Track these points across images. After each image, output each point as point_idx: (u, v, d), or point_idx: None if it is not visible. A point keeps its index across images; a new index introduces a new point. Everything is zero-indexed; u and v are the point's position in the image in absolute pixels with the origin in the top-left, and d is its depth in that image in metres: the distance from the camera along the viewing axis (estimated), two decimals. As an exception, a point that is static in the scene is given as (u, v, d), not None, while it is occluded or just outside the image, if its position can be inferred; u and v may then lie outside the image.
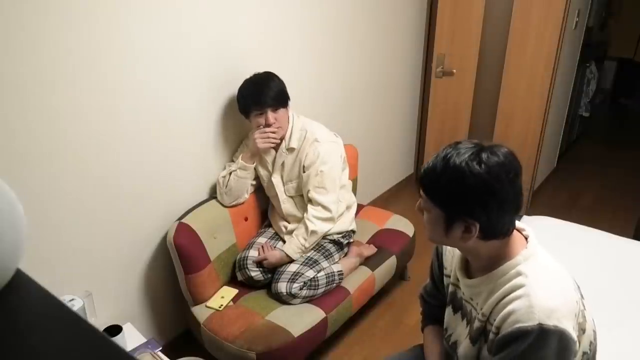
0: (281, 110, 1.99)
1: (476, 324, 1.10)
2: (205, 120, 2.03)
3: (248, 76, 2.17)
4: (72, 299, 1.58)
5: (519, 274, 1.03)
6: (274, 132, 1.98)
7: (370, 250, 2.32)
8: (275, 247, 2.10)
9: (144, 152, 1.82)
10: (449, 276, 1.26)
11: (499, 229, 1.02)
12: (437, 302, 1.38)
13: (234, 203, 2.08)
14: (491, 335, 1.04)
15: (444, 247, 1.29)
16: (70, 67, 1.51)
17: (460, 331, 1.19)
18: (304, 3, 2.37)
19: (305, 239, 2.02)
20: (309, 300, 2.00)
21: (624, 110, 6.19)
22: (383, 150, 3.45)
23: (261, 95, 1.92)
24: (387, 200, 3.60)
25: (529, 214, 2.76)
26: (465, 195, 0.99)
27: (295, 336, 1.82)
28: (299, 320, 1.89)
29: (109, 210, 1.76)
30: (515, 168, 1.01)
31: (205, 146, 2.07)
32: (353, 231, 2.27)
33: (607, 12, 4.80)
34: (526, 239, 1.10)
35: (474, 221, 1.00)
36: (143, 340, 1.74)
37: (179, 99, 1.89)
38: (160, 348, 1.69)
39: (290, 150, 2.04)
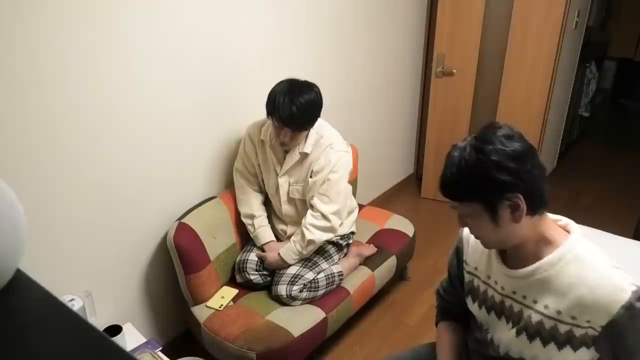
0: (305, 133, 1.92)
1: (534, 317, 1.06)
2: (205, 120, 2.03)
3: (248, 76, 2.18)
4: (72, 299, 1.58)
5: (577, 259, 1.01)
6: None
7: (370, 250, 2.32)
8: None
9: (144, 152, 1.82)
10: (473, 273, 1.24)
11: (540, 193, 1.01)
12: (452, 298, 1.37)
13: None
14: (579, 331, 1.00)
15: (465, 243, 1.27)
16: (69, 68, 1.51)
17: (501, 330, 1.15)
18: (304, 3, 2.37)
19: (302, 247, 1.98)
20: (310, 301, 2.00)
21: (624, 110, 6.19)
22: (383, 150, 3.46)
23: (287, 112, 1.78)
24: (387, 200, 3.60)
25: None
26: (491, 175, 0.99)
27: (295, 336, 1.82)
28: (299, 320, 1.89)
29: (109, 210, 1.76)
30: (509, 130, 1.04)
31: (205, 146, 2.07)
32: (353, 232, 2.26)
33: (607, 12, 4.80)
34: (563, 228, 1.09)
35: (515, 194, 0.99)
36: (143, 340, 1.74)
37: (178, 98, 1.89)
38: (160, 348, 1.69)
39: (303, 154, 1.97)
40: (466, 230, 1.23)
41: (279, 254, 2.00)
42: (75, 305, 1.57)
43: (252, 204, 2.08)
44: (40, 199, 1.54)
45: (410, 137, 3.83)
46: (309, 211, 1.99)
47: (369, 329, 2.34)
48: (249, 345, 1.76)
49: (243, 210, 2.09)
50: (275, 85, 1.85)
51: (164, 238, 1.98)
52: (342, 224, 2.15)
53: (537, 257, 1.06)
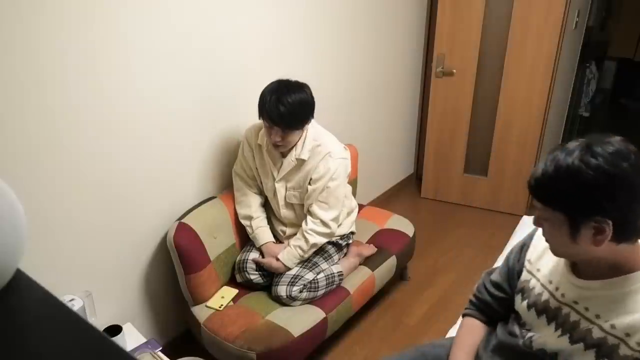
0: (294, 132, 1.88)
1: (595, 332, 1.02)
2: (205, 120, 2.03)
3: (247, 76, 2.18)
4: (72, 299, 1.58)
5: None
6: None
7: (370, 250, 2.32)
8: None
9: (144, 152, 1.82)
10: (533, 274, 1.21)
11: (632, 226, 0.94)
12: (495, 292, 1.34)
13: None
14: (629, 351, 0.97)
15: (535, 243, 1.22)
16: (69, 68, 1.51)
17: (548, 334, 1.13)
18: (303, 3, 2.37)
19: (304, 251, 1.99)
20: (309, 301, 2.00)
21: (624, 110, 6.19)
22: (383, 150, 3.46)
23: (274, 111, 1.79)
24: (387, 200, 3.60)
25: (529, 214, 2.76)
26: (587, 192, 0.92)
27: (295, 336, 1.82)
28: (299, 320, 1.89)
29: (109, 210, 1.76)
30: (635, 153, 0.95)
31: (205, 146, 2.07)
32: (352, 233, 2.26)
33: (607, 12, 4.80)
34: None
35: (605, 219, 0.92)
36: (143, 340, 1.74)
37: (178, 98, 1.89)
38: (160, 348, 1.69)
39: (300, 161, 1.95)
40: (540, 231, 1.20)
41: (278, 259, 1.99)
42: (75, 305, 1.56)
43: (250, 206, 2.08)
44: (41, 199, 1.54)
45: (410, 137, 3.83)
46: (309, 218, 2.00)
47: (369, 329, 2.34)
48: (249, 345, 1.76)
49: (241, 211, 2.09)
50: (266, 86, 1.86)
51: (164, 238, 1.98)
52: (341, 224, 2.15)
53: (615, 272, 1.00)
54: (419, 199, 3.74)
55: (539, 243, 1.21)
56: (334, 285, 2.07)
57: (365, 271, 2.22)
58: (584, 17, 3.70)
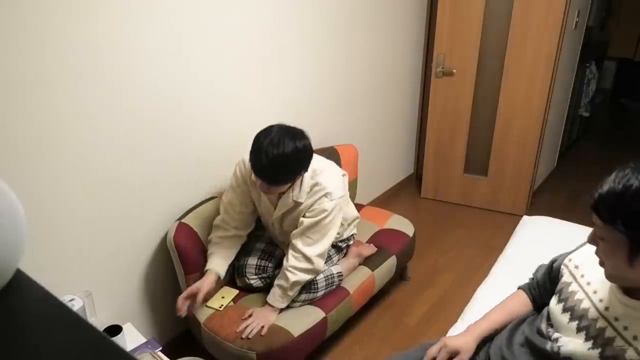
0: (281, 187, 1.77)
1: (629, 354, 1.00)
2: (205, 120, 2.03)
3: (248, 76, 2.18)
4: (72, 299, 1.58)
5: None
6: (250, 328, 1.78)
7: (370, 249, 2.31)
8: (269, 262, 2.03)
9: (144, 152, 1.82)
10: (577, 280, 1.18)
11: None
12: (539, 289, 1.37)
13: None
14: None
15: (590, 252, 1.18)
16: (71, 67, 1.51)
17: (574, 343, 1.12)
18: (303, 3, 2.37)
19: (285, 289, 1.86)
20: (309, 302, 2.00)
21: (624, 110, 6.19)
22: (383, 150, 3.46)
23: (257, 164, 1.66)
24: (387, 200, 3.60)
25: (529, 214, 2.76)
26: None
27: (295, 336, 1.82)
28: (298, 320, 1.89)
29: (109, 210, 1.76)
30: None
31: (204, 145, 2.07)
32: (353, 235, 2.25)
33: (607, 12, 4.80)
34: None
35: None
36: (143, 340, 1.74)
37: (178, 98, 1.89)
38: (160, 348, 1.69)
39: (297, 203, 1.86)
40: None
41: (267, 303, 1.88)
42: (75, 305, 1.56)
43: (223, 237, 1.93)
44: (41, 199, 1.54)
45: (410, 137, 3.83)
46: (290, 252, 1.87)
47: (369, 329, 2.34)
48: (249, 345, 1.76)
49: (214, 232, 1.95)
50: (261, 130, 1.71)
51: (164, 238, 1.98)
52: (346, 230, 2.14)
53: None
54: (419, 199, 3.74)
55: (591, 248, 1.17)
56: (334, 286, 2.07)
57: (365, 271, 2.22)
58: (584, 17, 3.71)
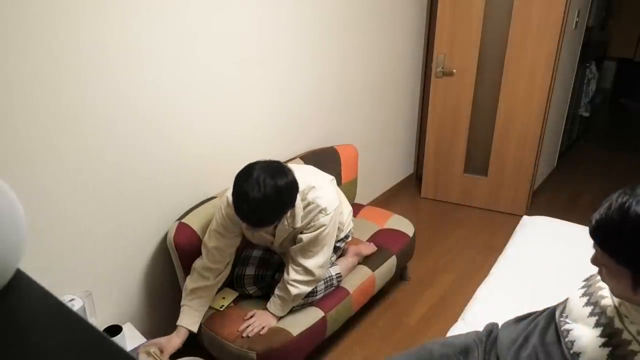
0: (268, 227, 1.74)
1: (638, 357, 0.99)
2: (204, 120, 2.03)
3: (247, 76, 2.18)
4: (72, 299, 1.58)
5: None
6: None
7: (369, 248, 2.31)
8: (267, 271, 2.01)
9: (145, 152, 1.82)
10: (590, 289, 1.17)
11: None
12: None
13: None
14: None
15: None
16: (72, 67, 1.51)
17: (588, 338, 1.10)
18: (304, 2, 2.37)
19: (286, 301, 1.86)
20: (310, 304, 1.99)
21: (624, 110, 6.19)
22: (383, 150, 3.46)
23: (240, 212, 1.60)
24: (387, 200, 3.60)
25: (529, 214, 2.76)
26: None
27: (295, 335, 1.82)
28: (298, 320, 1.89)
29: (109, 210, 1.76)
30: None
31: (204, 145, 2.07)
32: (349, 233, 2.22)
33: (607, 12, 4.80)
34: None
35: None
36: (143, 340, 1.74)
37: (178, 98, 1.89)
38: (160, 348, 1.69)
39: (295, 228, 1.84)
40: None
41: (267, 309, 1.88)
42: (75, 305, 1.57)
43: (207, 282, 1.85)
44: (41, 199, 1.54)
45: (410, 137, 3.83)
46: (291, 265, 1.86)
47: (369, 329, 2.34)
48: (249, 345, 1.76)
49: (192, 278, 1.85)
50: (240, 171, 1.63)
51: (164, 238, 1.98)
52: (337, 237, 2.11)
53: None
54: (419, 199, 3.74)
55: None
56: (333, 288, 2.06)
57: (365, 271, 2.22)
58: (584, 17, 3.71)
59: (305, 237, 1.82)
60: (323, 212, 1.81)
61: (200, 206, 2.02)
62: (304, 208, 1.80)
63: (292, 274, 1.85)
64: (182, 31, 1.82)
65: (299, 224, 1.81)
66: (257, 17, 2.13)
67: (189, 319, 1.83)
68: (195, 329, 1.83)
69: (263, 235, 1.92)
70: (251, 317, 1.86)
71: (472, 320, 1.69)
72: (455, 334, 1.51)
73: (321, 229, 1.82)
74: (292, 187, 1.65)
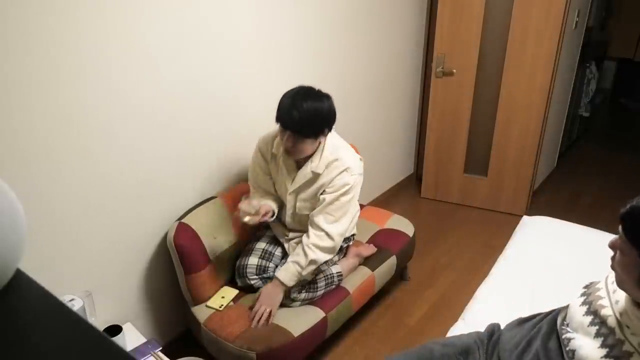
0: (306, 141, 1.79)
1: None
2: (205, 120, 2.03)
3: (247, 77, 2.18)
4: (72, 299, 1.58)
5: None
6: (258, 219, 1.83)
7: (370, 250, 2.31)
8: (270, 263, 2.04)
9: (145, 152, 1.82)
10: (607, 283, 1.17)
11: None
12: None
13: None
14: None
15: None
16: (71, 67, 1.51)
17: (589, 349, 1.09)
18: (304, 2, 2.37)
19: (302, 267, 1.86)
20: (309, 301, 2.00)
21: (624, 110, 6.19)
22: (383, 150, 3.46)
23: (287, 114, 1.73)
24: (387, 200, 3.60)
25: (529, 214, 2.76)
26: None
27: (295, 336, 1.82)
28: (299, 320, 1.89)
29: (109, 210, 1.76)
30: None
31: (204, 145, 2.07)
32: (353, 235, 2.25)
33: (607, 12, 4.80)
34: None
35: None
36: (143, 340, 1.74)
37: (178, 100, 1.89)
38: (160, 348, 1.69)
39: (315, 174, 1.88)
40: None
41: (275, 277, 1.88)
42: (75, 305, 1.56)
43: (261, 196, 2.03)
44: (41, 199, 1.54)
45: (410, 137, 3.83)
46: (311, 230, 1.89)
47: (369, 329, 2.34)
48: (249, 345, 1.76)
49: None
50: (287, 90, 1.81)
51: (164, 238, 1.98)
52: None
53: None
54: (419, 199, 3.74)
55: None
56: (333, 286, 2.07)
57: (365, 271, 2.22)
58: (584, 17, 3.70)
59: (328, 196, 1.85)
60: (348, 170, 1.85)
61: (200, 206, 2.02)
62: (330, 163, 1.86)
63: (313, 237, 1.86)
64: (182, 31, 1.82)
65: (321, 170, 1.86)
66: (257, 18, 2.13)
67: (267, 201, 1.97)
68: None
69: (285, 175, 1.94)
70: (253, 309, 1.87)
71: (472, 320, 1.69)
72: (456, 334, 1.51)
73: (344, 189, 1.84)
74: (333, 111, 1.82)
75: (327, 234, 1.87)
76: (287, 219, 2.05)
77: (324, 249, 1.88)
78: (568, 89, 3.96)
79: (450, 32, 3.21)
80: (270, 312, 1.84)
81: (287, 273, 1.87)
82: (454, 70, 3.29)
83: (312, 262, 1.86)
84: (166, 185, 1.94)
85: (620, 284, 1.03)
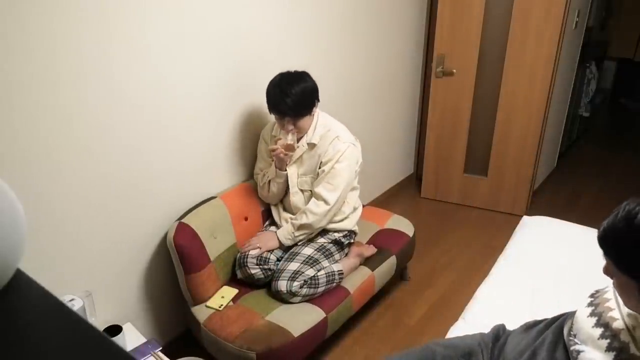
0: (304, 118, 1.99)
1: None
2: (205, 120, 2.03)
3: (246, 78, 2.18)
4: (72, 299, 1.58)
5: None
6: (285, 153, 1.99)
7: (370, 250, 2.32)
8: (271, 254, 2.09)
9: (145, 152, 1.82)
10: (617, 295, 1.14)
11: None
12: None
13: (277, 200, 2.22)
14: None
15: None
16: (72, 67, 1.51)
17: (596, 355, 1.08)
18: (304, 3, 2.37)
19: (294, 227, 2.06)
20: (309, 299, 2.00)
21: (624, 110, 6.19)
22: (383, 150, 3.46)
23: (281, 103, 1.92)
24: (387, 200, 3.60)
25: (529, 214, 2.76)
26: None
27: (295, 336, 1.82)
28: (299, 320, 1.89)
29: (109, 210, 1.76)
30: None
31: (204, 146, 2.07)
32: (355, 232, 2.27)
33: (607, 12, 4.80)
34: None
35: None
36: (143, 340, 1.74)
37: (178, 100, 1.89)
38: (160, 348, 1.69)
39: (311, 145, 2.06)
40: None
41: (274, 232, 2.10)
42: (75, 305, 1.56)
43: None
44: (41, 199, 1.54)
45: (410, 137, 3.83)
46: (313, 199, 2.08)
47: (369, 329, 2.34)
48: (248, 345, 1.76)
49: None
50: (270, 81, 1.98)
51: (164, 238, 1.98)
52: (347, 217, 2.19)
53: None
54: (419, 199, 3.74)
55: None
56: (334, 284, 2.07)
57: (365, 271, 2.22)
58: (584, 17, 3.71)
59: (325, 167, 2.04)
60: (338, 138, 2.04)
61: (200, 206, 2.02)
62: (323, 135, 2.05)
63: (311, 204, 2.07)
64: (182, 31, 1.82)
65: (316, 140, 2.05)
66: (257, 18, 2.13)
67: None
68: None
69: (283, 150, 2.04)
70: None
71: (472, 319, 1.69)
72: (459, 335, 1.50)
73: (338, 156, 2.02)
74: (315, 84, 2.02)
75: (325, 201, 2.04)
76: (291, 197, 2.13)
77: (318, 214, 2.04)
78: (568, 89, 3.96)
79: (450, 32, 3.21)
80: (259, 248, 2.04)
81: (283, 231, 2.09)
82: (454, 70, 3.29)
83: (305, 225, 2.06)
84: (166, 185, 1.94)
85: (626, 303, 1.01)
